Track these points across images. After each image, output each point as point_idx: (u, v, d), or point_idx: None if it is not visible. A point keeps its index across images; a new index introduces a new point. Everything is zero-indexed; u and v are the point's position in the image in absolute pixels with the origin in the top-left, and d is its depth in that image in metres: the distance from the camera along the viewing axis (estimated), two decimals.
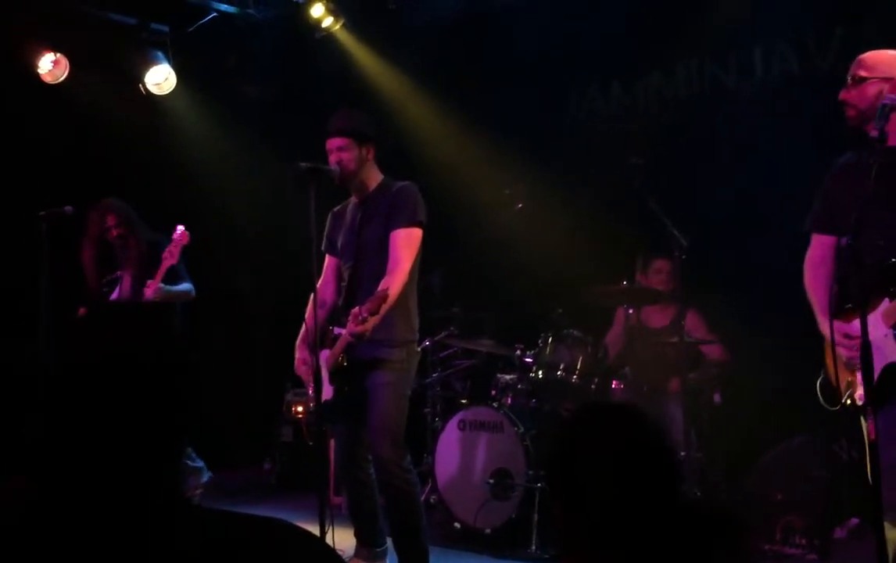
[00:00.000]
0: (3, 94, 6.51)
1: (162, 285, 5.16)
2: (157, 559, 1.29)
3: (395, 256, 4.03)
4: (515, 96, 6.64)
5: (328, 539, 3.81)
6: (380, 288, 3.83)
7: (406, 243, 4.05)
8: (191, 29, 7.21)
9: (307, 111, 6.76)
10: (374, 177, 4.24)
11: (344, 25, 6.87)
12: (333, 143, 4.15)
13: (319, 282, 4.22)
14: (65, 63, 6.66)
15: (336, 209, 4.44)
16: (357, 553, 4.28)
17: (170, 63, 6.81)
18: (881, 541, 2.81)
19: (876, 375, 3.01)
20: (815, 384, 3.37)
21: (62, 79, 6.68)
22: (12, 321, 5.68)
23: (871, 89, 3.23)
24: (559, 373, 5.35)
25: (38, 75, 6.63)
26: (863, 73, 3.28)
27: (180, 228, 5.25)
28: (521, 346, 5.64)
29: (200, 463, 5.78)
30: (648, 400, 5.42)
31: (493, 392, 5.74)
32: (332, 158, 4.14)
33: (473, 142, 6.66)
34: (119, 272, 5.48)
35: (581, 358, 5.38)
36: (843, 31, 5.46)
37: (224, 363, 7.54)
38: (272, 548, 1.36)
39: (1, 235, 6.24)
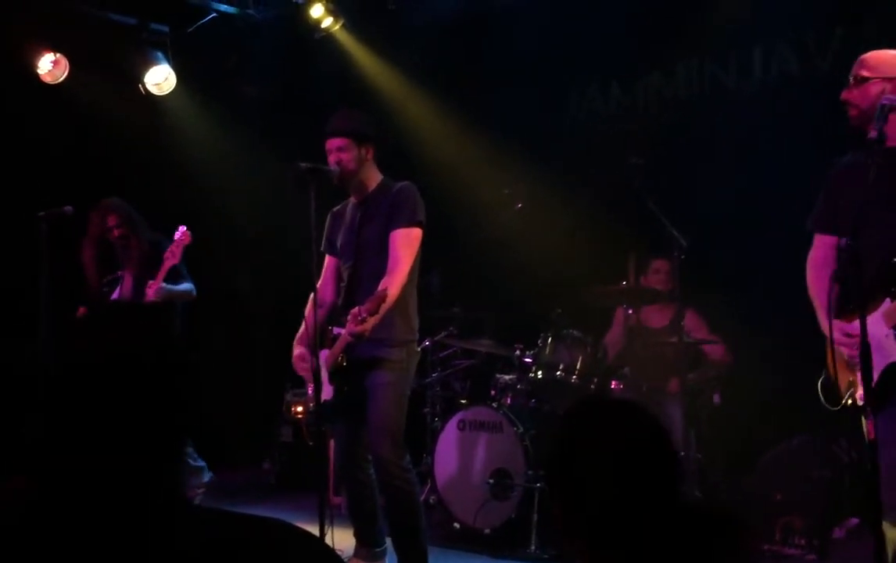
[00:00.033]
0: (2, 94, 6.51)
1: (164, 284, 5.17)
2: (157, 559, 1.29)
3: (394, 256, 4.02)
4: (515, 96, 6.64)
5: (328, 539, 3.81)
6: (379, 288, 3.83)
7: (406, 243, 4.05)
8: (190, 29, 7.21)
9: (307, 111, 6.76)
10: (374, 177, 4.24)
11: (343, 26, 6.87)
12: (332, 143, 4.15)
13: (319, 282, 4.23)
14: (64, 63, 6.66)
15: (335, 209, 4.44)
16: (356, 553, 4.28)
17: (169, 63, 6.81)
18: (880, 541, 2.81)
19: (878, 374, 3.01)
20: (815, 384, 3.37)
21: (62, 79, 6.68)
22: (12, 321, 5.68)
23: (874, 89, 3.23)
24: (558, 373, 5.35)
25: (37, 75, 6.62)
26: (865, 73, 3.27)
27: (182, 227, 5.26)
28: (521, 346, 5.64)
29: (202, 463, 5.79)
30: (647, 400, 5.40)
31: (493, 392, 5.74)
32: (332, 158, 4.14)
33: (473, 142, 6.66)
34: (120, 272, 5.49)
35: (580, 358, 5.38)
36: (842, 31, 5.46)
37: (224, 363, 7.53)
38: (272, 548, 1.35)
39: (1, 235, 6.24)
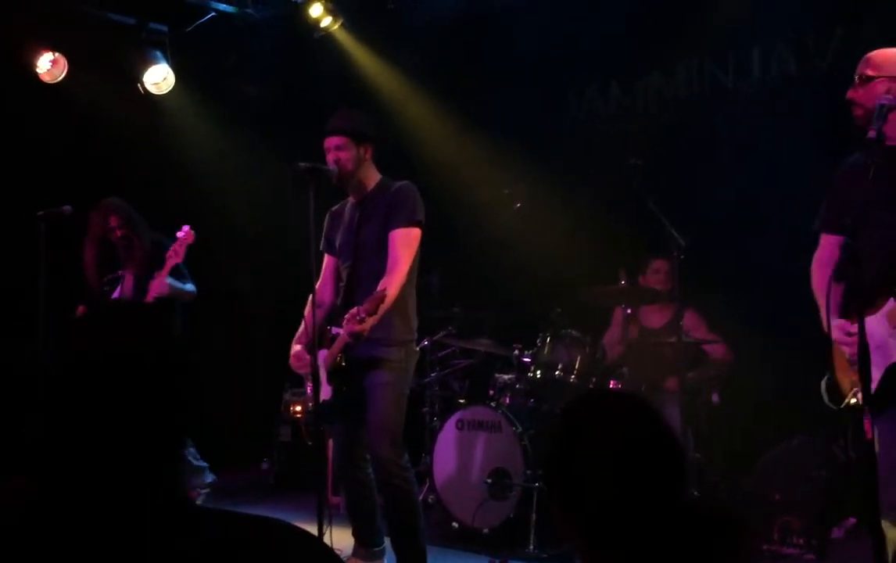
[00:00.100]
0: (2, 93, 6.51)
1: (169, 279, 5.16)
2: (157, 558, 1.29)
3: (393, 256, 4.02)
4: (515, 96, 6.64)
5: (326, 539, 3.81)
6: (378, 288, 3.83)
7: (405, 243, 4.05)
8: (189, 29, 7.20)
9: (307, 111, 6.76)
10: (373, 176, 4.24)
11: (343, 25, 6.87)
12: (331, 142, 4.15)
13: (318, 282, 4.22)
14: (63, 63, 6.65)
15: (334, 209, 4.43)
16: (355, 553, 4.28)
17: (168, 63, 6.81)
18: (880, 541, 2.82)
19: (881, 374, 3.02)
20: (815, 384, 3.36)
21: (61, 78, 6.67)
22: (12, 321, 5.68)
23: (879, 88, 3.21)
24: (557, 373, 5.36)
25: (36, 75, 6.62)
26: (870, 72, 3.26)
27: (186, 227, 5.25)
28: (520, 346, 5.65)
29: (204, 463, 5.78)
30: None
31: (492, 392, 5.74)
32: (330, 157, 4.13)
33: (473, 142, 6.66)
34: (121, 272, 5.48)
35: (579, 358, 5.39)
36: (842, 31, 5.47)
37: (224, 363, 7.53)
38: (271, 548, 1.36)
39: (1, 235, 6.24)
